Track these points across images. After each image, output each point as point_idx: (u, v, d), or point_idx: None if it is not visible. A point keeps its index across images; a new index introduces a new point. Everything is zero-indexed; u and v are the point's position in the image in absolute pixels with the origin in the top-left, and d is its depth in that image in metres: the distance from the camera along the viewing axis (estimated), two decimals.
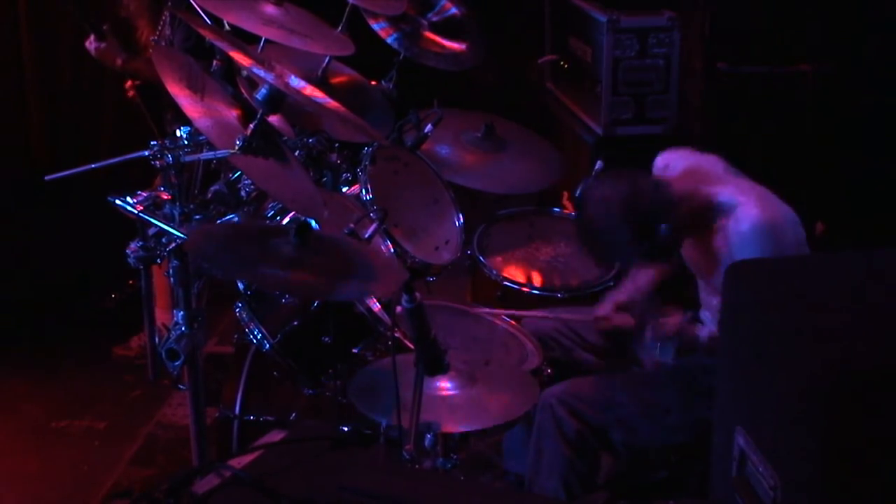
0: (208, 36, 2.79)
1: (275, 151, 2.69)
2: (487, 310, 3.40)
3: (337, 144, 3.51)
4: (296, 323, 3.03)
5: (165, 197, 2.65)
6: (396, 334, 2.90)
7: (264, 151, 2.62)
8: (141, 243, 2.61)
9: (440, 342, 2.59)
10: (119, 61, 4.22)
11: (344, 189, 3.46)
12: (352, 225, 2.82)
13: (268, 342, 3.02)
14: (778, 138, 4.32)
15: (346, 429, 2.76)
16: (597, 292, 3.46)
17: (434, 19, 3.91)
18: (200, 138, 2.73)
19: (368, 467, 2.23)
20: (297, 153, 3.31)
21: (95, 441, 4.16)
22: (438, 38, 3.87)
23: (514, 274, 3.56)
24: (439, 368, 2.60)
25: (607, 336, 3.26)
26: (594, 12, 4.37)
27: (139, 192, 2.61)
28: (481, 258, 3.55)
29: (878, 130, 4.33)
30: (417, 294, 2.51)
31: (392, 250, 3.18)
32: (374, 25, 3.66)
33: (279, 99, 2.65)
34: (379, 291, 2.84)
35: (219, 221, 2.92)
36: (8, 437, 4.17)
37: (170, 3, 4.11)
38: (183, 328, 2.64)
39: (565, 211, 3.98)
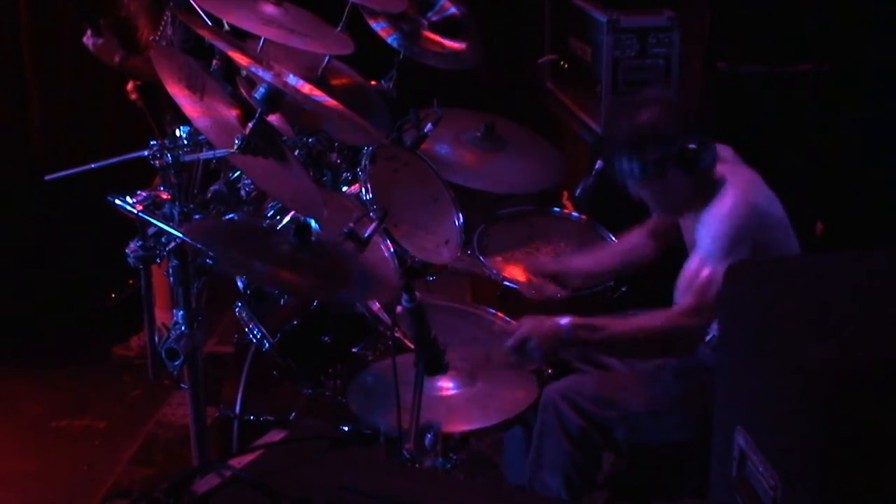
0: (206, 36, 2.79)
1: (274, 151, 2.69)
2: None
3: (336, 144, 3.51)
4: (295, 322, 3.03)
5: (165, 197, 2.65)
6: (396, 334, 2.90)
7: (263, 151, 2.62)
8: (140, 243, 2.60)
9: (440, 342, 2.59)
10: (116, 58, 4.22)
11: (344, 188, 3.46)
12: (351, 224, 2.82)
13: (267, 342, 3.02)
14: (778, 138, 4.32)
15: (346, 429, 2.76)
16: (597, 292, 3.46)
17: (434, 19, 3.91)
18: (200, 138, 2.73)
19: (368, 467, 2.23)
20: (296, 153, 3.31)
21: (95, 441, 4.16)
22: (438, 38, 3.87)
23: (514, 274, 3.55)
24: (439, 368, 2.60)
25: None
26: (594, 12, 4.37)
27: (139, 192, 2.61)
28: (481, 258, 3.55)
29: (877, 130, 4.32)
30: (417, 294, 2.51)
31: (392, 250, 3.18)
32: (374, 25, 3.66)
33: (278, 98, 2.65)
34: (378, 295, 2.85)
35: None
36: (8, 437, 4.17)
37: (171, 3, 4.11)
38: (183, 328, 2.64)
39: (565, 211, 3.98)
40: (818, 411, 1.82)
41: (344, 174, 3.50)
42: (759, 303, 2.06)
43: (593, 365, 3.30)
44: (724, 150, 3.09)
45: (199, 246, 2.51)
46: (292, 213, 3.03)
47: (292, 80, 2.81)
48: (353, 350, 3.08)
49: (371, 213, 2.90)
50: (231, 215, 2.97)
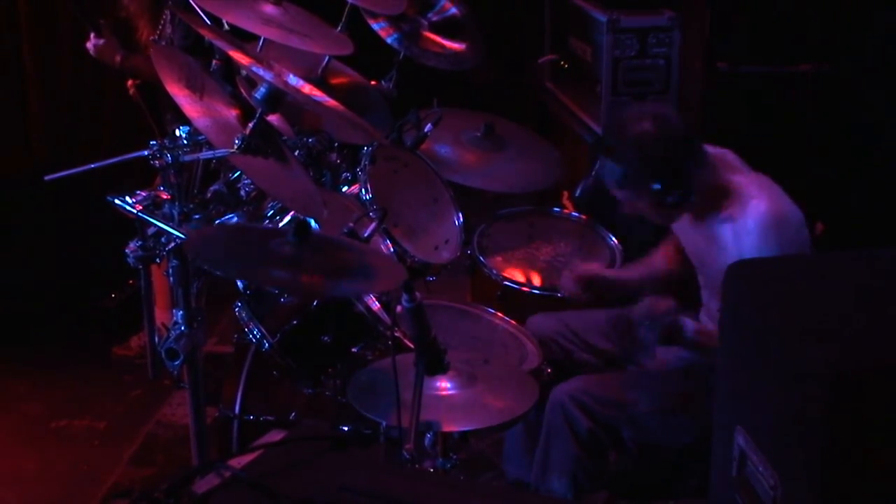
0: (207, 35, 2.79)
1: (274, 151, 2.69)
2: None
3: (336, 144, 3.51)
4: (295, 322, 3.03)
5: (165, 197, 2.65)
6: (396, 334, 2.90)
7: (263, 151, 2.62)
8: (140, 243, 2.61)
9: (440, 342, 2.59)
10: (118, 58, 4.22)
11: (344, 189, 3.46)
12: (351, 224, 2.82)
13: (267, 341, 3.02)
14: (778, 138, 4.31)
15: (346, 429, 2.76)
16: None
17: (434, 19, 3.91)
18: (200, 138, 2.74)
19: (368, 467, 2.23)
20: (296, 153, 3.31)
21: (95, 441, 4.16)
22: (438, 38, 3.87)
23: (514, 274, 3.56)
24: (439, 368, 2.60)
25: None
26: (594, 12, 4.37)
27: (138, 192, 2.61)
28: (481, 258, 3.55)
29: (878, 130, 4.32)
30: (417, 293, 2.51)
31: (392, 250, 3.18)
32: (374, 25, 3.66)
33: (278, 98, 2.65)
34: (378, 290, 2.85)
35: (218, 221, 2.92)
36: (8, 437, 4.17)
37: (170, 3, 4.11)
38: (182, 328, 2.64)
39: (565, 211, 3.98)
40: (818, 411, 1.82)
41: (344, 174, 3.50)
42: (760, 303, 2.06)
43: (593, 354, 3.30)
44: (727, 156, 3.06)
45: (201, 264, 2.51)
46: (292, 213, 3.03)
47: (293, 80, 2.81)
48: (353, 350, 3.08)
49: (371, 213, 2.91)
50: (231, 216, 2.97)
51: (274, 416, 3.24)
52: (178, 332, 2.63)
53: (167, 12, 4.22)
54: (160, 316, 2.85)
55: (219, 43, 2.76)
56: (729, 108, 4.42)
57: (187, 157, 2.67)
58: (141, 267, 2.64)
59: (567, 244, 3.73)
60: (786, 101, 4.35)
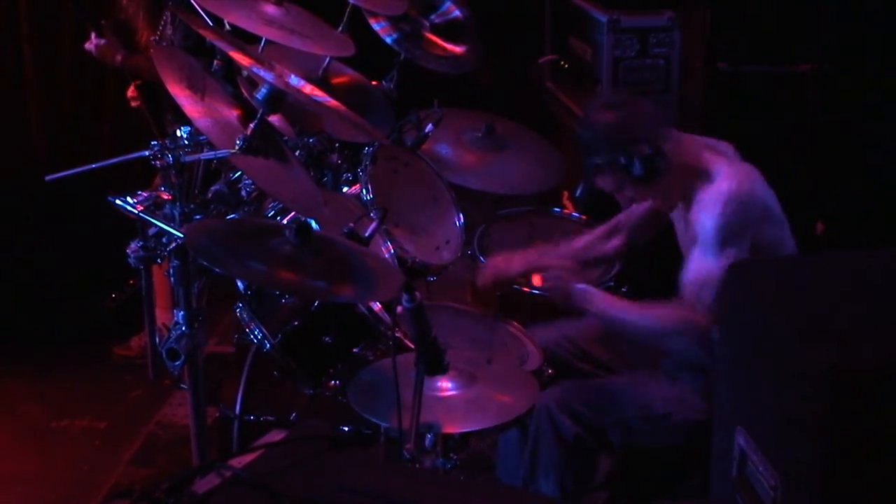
0: (208, 36, 2.79)
1: (275, 151, 2.69)
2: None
3: (337, 144, 3.51)
4: (296, 323, 3.03)
5: (166, 197, 2.65)
6: (397, 334, 2.90)
7: (265, 151, 2.62)
8: (141, 243, 2.61)
9: (440, 342, 2.59)
10: (119, 58, 4.22)
11: (344, 189, 3.46)
12: (352, 224, 2.82)
13: (268, 342, 3.02)
14: (778, 138, 4.31)
15: (346, 429, 2.76)
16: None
17: (436, 21, 3.91)
18: (201, 138, 2.73)
19: (368, 467, 2.23)
20: (297, 153, 3.31)
21: (95, 441, 4.16)
22: (439, 41, 3.87)
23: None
24: (439, 368, 2.60)
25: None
26: (594, 12, 4.37)
27: (139, 192, 2.61)
28: (481, 258, 3.55)
29: (878, 130, 4.32)
30: (417, 294, 2.51)
31: (392, 250, 3.18)
32: (375, 25, 3.66)
33: (279, 98, 2.65)
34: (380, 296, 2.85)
35: None
36: (8, 437, 4.17)
37: (170, 3, 4.11)
38: (183, 328, 2.64)
39: (565, 211, 3.98)
40: (818, 411, 1.82)
41: (345, 174, 3.50)
42: (760, 303, 2.06)
43: (593, 364, 3.30)
44: (724, 147, 3.08)
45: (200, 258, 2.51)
46: (293, 213, 3.03)
47: (294, 80, 2.81)
48: (354, 350, 3.08)
49: (371, 214, 2.91)
50: (232, 216, 2.97)
51: (274, 417, 3.24)
52: (178, 332, 2.63)
53: (167, 13, 4.22)
54: (161, 316, 2.85)
55: (220, 43, 2.76)
56: (729, 108, 4.42)
57: (188, 158, 2.67)
58: (142, 267, 2.64)
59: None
60: (786, 101, 4.35)
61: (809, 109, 4.33)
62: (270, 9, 3.12)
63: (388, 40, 3.67)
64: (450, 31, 3.90)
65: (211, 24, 3.11)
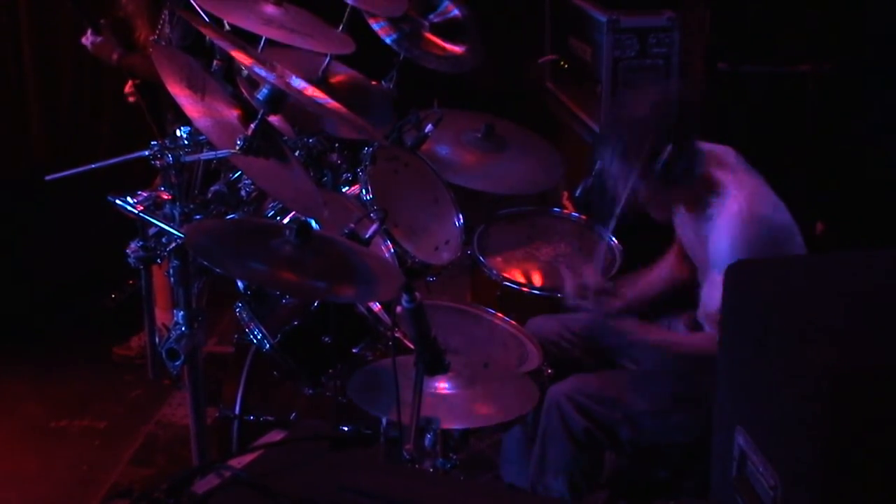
0: (210, 35, 2.79)
1: (275, 151, 2.69)
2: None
3: (337, 144, 3.51)
4: (296, 323, 3.03)
5: (165, 197, 2.65)
6: (396, 334, 2.90)
7: (265, 151, 2.62)
8: (141, 243, 2.60)
9: (440, 342, 2.59)
10: (115, 56, 4.23)
11: (344, 189, 3.46)
12: (352, 225, 2.82)
13: (268, 342, 3.02)
14: (778, 138, 4.32)
15: (346, 429, 2.76)
16: None
17: (435, 20, 3.91)
18: (200, 138, 2.73)
19: (368, 467, 2.23)
20: (297, 153, 3.31)
21: (95, 441, 4.17)
22: (438, 40, 3.87)
23: (514, 274, 3.55)
24: (439, 368, 2.60)
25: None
26: (594, 12, 4.37)
27: (139, 192, 2.61)
28: (481, 258, 3.55)
29: (878, 130, 4.32)
30: (417, 294, 2.51)
31: (392, 250, 3.18)
32: (374, 25, 3.66)
33: (280, 99, 2.65)
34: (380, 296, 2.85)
35: None
36: (8, 437, 4.17)
37: (169, 3, 4.12)
38: (183, 328, 2.64)
39: (565, 211, 3.98)
40: (818, 411, 1.82)
41: (344, 175, 3.50)
42: (760, 303, 2.06)
43: (595, 356, 3.30)
44: (726, 154, 3.07)
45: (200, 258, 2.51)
46: (293, 213, 3.03)
47: (295, 81, 2.81)
48: (354, 350, 3.09)
49: (371, 214, 2.91)
50: (232, 216, 2.97)
51: (274, 417, 3.24)
52: (178, 332, 2.63)
53: (166, 12, 4.22)
54: (161, 316, 2.85)
55: (221, 43, 2.76)
56: (729, 108, 4.43)
57: (188, 158, 2.66)
58: (141, 267, 2.63)
59: (567, 244, 3.73)
60: (786, 101, 4.35)
61: (809, 109, 4.33)
62: (270, 9, 3.12)
63: (388, 40, 3.67)
64: (449, 30, 3.90)
65: (210, 23, 3.11)
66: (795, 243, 3.02)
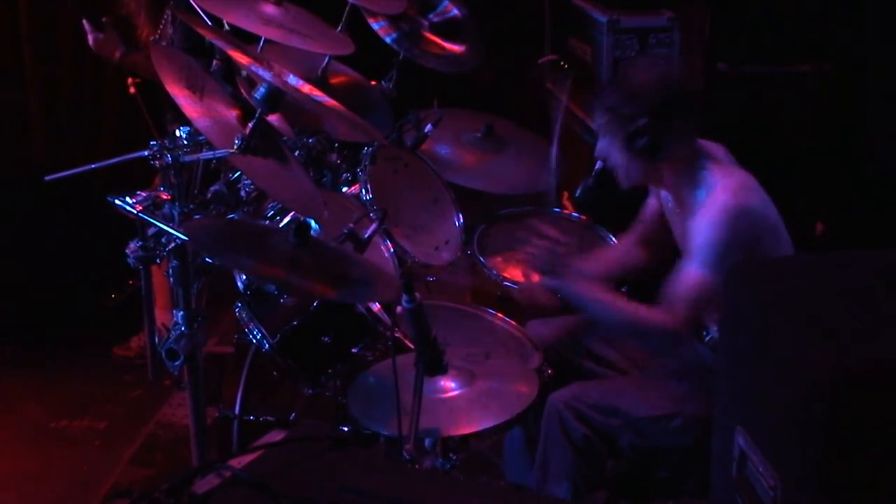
0: (207, 35, 2.79)
1: (274, 151, 2.69)
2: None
3: (337, 144, 3.51)
4: (295, 323, 3.03)
5: (165, 197, 2.65)
6: (396, 334, 2.90)
7: (263, 151, 2.62)
8: (140, 243, 2.60)
9: (440, 342, 2.59)
10: (118, 54, 4.23)
11: (344, 189, 3.46)
12: (351, 225, 2.82)
13: (267, 342, 3.02)
14: (778, 138, 4.31)
15: (346, 429, 2.76)
16: None
17: (435, 20, 3.91)
18: (200, 138, 2.73)
19: (368, 467, 2.23)
20: (296, 153, 3.31)
21: (95, 441, 4.16)
22: (438, 40, 3.87)
23: (514, 274, 3.55)
24: (439, 368, 2.60)
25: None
26: (594, 12, 4.37)
27: (139, 192, 2.61)
28: (481, 258, 3.55)
29: (877, 130, 4.32)
30: (417, 294, 2.51)
31: (392, 250, 3.18)
32: (374, 25, 3.66)
33: (278, 98, 2.65)
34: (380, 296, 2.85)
35: None
36: (8, 437, 4.17)
37: (171, 2, 4.12)
38: (183, 328, 2.64)
39: (565, 211, 3.98)
40: (818, 412, 1.82)
41: (344, 174, 3.50)
42: (759, 303, 2.06)
43: (594, 361, 3.30)
44: (717, 150, 3.08)
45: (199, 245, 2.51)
46: (292, 213, 3.03)
47: (292, 79, 2.81)
48: (353, 350, 3.08)
49: (371, 214, 2.91)
50: (231, 216, 2.97)
51: (274, 417, 3.24)
52: (178, 332, 2.63)
53: (168, 12, 4.22)
54: (160, 316, 2.85)
55: (219, 43, 2.76)
56: (729, 108, 4.42)
57: (188, 158, 2.67)
58: (141, 267, 2.63)
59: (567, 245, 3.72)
60: (786, 101, 4.35)
61: (809, 109, 4.33)
62: (269, 8, 3.12)
63: (388, 40, 3.67)
64: (448, 29, 3.90)
65: (210, 23, 3.11)
66: (781, 241, 3.02)
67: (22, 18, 4.96)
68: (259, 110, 2.63)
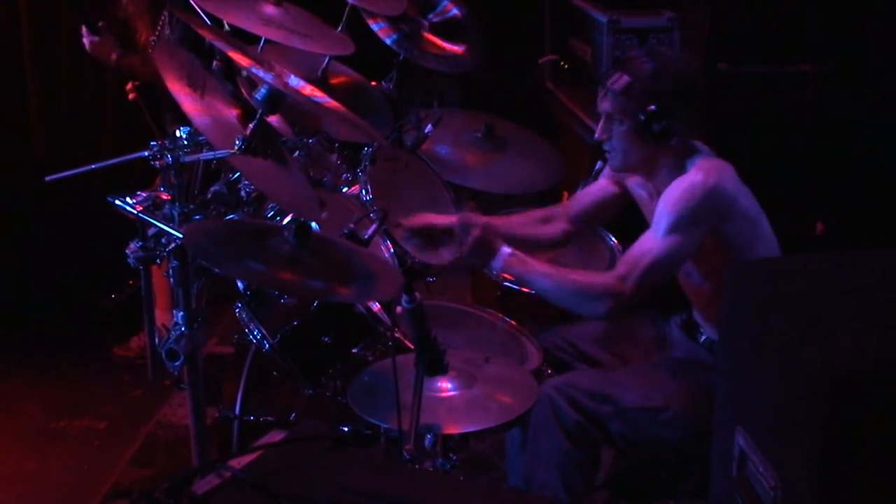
0: (207, 36, 2.79)
1: (274, 152, 2.69)
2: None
3: (337, 145, 3.51)
4: (295, 323, 3.03)
5: (165, 197, 2.65)
6: (396, 334, 2.90)
7: (263, 152, 2.62)
8: (140, 243, 2.60)
9: (440, 342, 2.59)
10: (114, 56, 4.24)
11: (344, 189, 3.46)
12: (351, 225, 2.82)
13: (267, 342, 3.02)
14: (778, 138, 4.32)
15: (346, 429, 2.75)
16: None
17: (435, 20, 3.91)
18: (200, 138, 2.73)
19: (368, 467, 2.23)
20: (296, 153, 3.31)
21: (95, 441, 4.16)
22: (438, 40, 3.87)
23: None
24: (439, 368, 2.60)
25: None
26: (594, 12, 4.37)
27: (139, 193, 2.61)
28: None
29: (877, 130, 4.32)
30: (417, 294, 2.51)
31: (392, 250, 3.17)
32: (374, 25, 3.66)
33: (278, 99, 2.65)
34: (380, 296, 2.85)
35: None
36: (8, 437, 4.17)
37: (169, 3, 4.12)
38: (183, 328, 2.64)
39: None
40: (818, 412, 1.82)
41: (344, 175, 3.50)
42: (759, 303, 2.06)
43: (588, 363, 3.30)
44: (699, 144, 3.10)
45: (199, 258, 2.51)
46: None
47: (293, 80, 2.81)
48: (354, 351, 3.08)
49: (371, 214, 2.91)
50: (231, 216, 2.97)
51: (274, 417, 3.23)
52: (178, 332, 2.63)
53: (165, 13, 4.22)
54: (160, 316, 2.85)
55: (219, 43, 2.76)
56: (729, 108, 4.42)
57: (188, 158, 2.66)
58: (141, 267, 2.64)
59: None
60: (786, 101, 4.35)
61: (809, 109, 4.33)
62: (269, 9, 3.12)
63: (388, 41, 3.67)
64: (448, 30, 3.90)
65: (210, 24, 3.11)
66: (760, 235, 3.01)
67: (22, 19, 4.96)
68: (259, 111, 2.63)
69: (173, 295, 2.67)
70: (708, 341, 3.10)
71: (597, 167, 3.45)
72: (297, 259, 2.46)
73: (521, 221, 3.42)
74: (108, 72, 4.60)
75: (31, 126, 5.10)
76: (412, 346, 2.62)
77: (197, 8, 3.12)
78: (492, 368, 2.80)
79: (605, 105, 3.02)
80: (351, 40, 3.40)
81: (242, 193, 3.06)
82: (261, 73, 2.63)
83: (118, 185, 2.64)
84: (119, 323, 4.61)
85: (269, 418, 3.23)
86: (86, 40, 4.26)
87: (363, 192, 3.26)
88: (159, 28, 4.25)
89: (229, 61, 3.28)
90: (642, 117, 2.94)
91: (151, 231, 2.60)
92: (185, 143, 2.72)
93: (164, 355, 2.62)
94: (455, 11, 3.95)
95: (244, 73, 3.10)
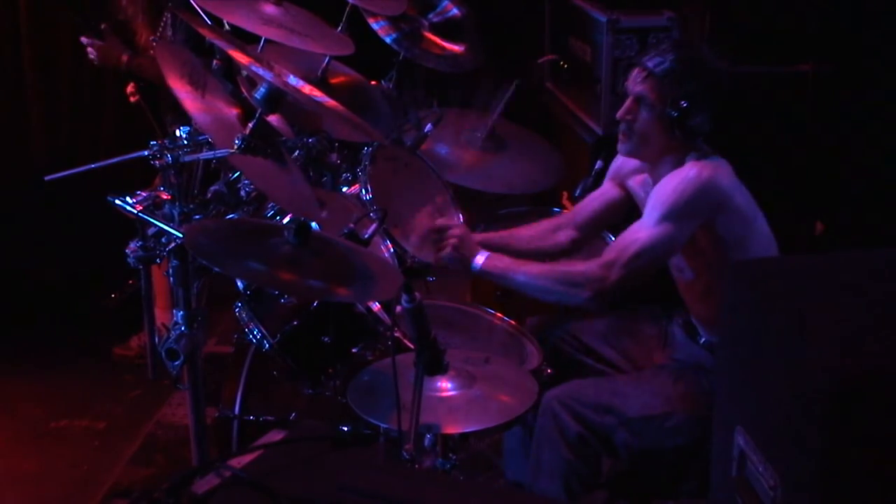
0: (208, 35, 2.79)
1: (273, 152, 2.69)
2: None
3: (337, 144, 3.51)
4: (295, 323, 3.03)
5: (165, 197, 2.65)
6: (396, 334, 2.90)
7: (263, 151, 2.62)
8: (140, 243, 2.60)
9: (440, 342, 2.59)
10: (125, 58, 4.22)
11: (344, 189, 3.46)
12: (351, 225, 2.82)
13: (267, 342, 3.02)
14: (778, 138, 4.31)
15: (346, 429, 2.75)
16: None
17: (435, 20, 3.91)
18: (200, 138, 2.73)
19: (368, 467, 2.23)
20: (296, 153, 3.31)
21: (95, 441, 4.17)
22: (438, 40, 3.87)
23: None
24: (439, 368, 2.60)
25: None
26: (594, 12, 4.37)
27: (139, 192, 2.61)
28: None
29: (877, 130, 4.32)
30: (417, 294, 2.51)
31: (392, 250, 3.17)
32: (374, 25, 3.66)
33: (278, 98, 2.65)
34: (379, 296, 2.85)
35: None
36: (8, 437, 4.17)
37: (170, 4, 4.12)
38: (183, 328, 2.64)
39: (565, 211, 3.98)
40: (818, 412, 1.82)
41: (344, 175, 3.50)
42: (760, 303, 2.06)
43: (593, 357, 3.30)
44: (698, 142, 3.10)
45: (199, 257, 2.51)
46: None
47: (293, 80, 2.81)
48: (353, 350, 3.08)
49: (371, 214, 2.91)
50: (231, 216, 2.97)
51: (274, 417, 3.23)
52: (178, 332, 2.63)
53: (166, 14, 4.22)
54: (160, 316, 2.85)
55: (219, 42, 2.76)
56: (729, 108, 4.42)
57: (188, 158, 2.66)
58: (141, 267, 2.63)
59: None
60: (786, 101, 4.35)
61: (809, 109, 4.33)
62: (270, 8, 3.12)
63: (388, 40, 3.68)
64: (448, 29, 3.90)
65: (210, 23, 3.11)
66: (756, 233, 3.02)
67: (22, 20, 4.96)
68: (259, 111, 2.63)
69: (173, 294, 2.67)
70: (707, 343, 3.11)
71: (596, 167, 3.45)
72: (297, 259, 2.46)
73: (531, 234, 3.42)
74: (108, 72, 4.60)
75: (31, 126, 5.10)
76: (412, 346, 2.62)
77: (197, 8, 3.12)
78: (491, 368, 2.79)
79: (639, 87, 3.00)
80: (351, 40, 3.40)
81: (242, 193, 3.06)
82: (260, 72, 2.63)
83: (118, 185, 2.63)
84: (119, 323, 4.61)
85: (269, 418, 3.23)
86: (91, 51, 4.24)
87: (363, 191, 3.26)
88: (160, 29, 4.24)
89: (229, 60, 3.28)
90: (678, 108, 2.92)
91: (151, 231, 2.60)
92: (185, 142, 2.72)
93: (164, 355, 2.62)
94: (455, 11, 3.95)
95: (244, 72, 3.10)
